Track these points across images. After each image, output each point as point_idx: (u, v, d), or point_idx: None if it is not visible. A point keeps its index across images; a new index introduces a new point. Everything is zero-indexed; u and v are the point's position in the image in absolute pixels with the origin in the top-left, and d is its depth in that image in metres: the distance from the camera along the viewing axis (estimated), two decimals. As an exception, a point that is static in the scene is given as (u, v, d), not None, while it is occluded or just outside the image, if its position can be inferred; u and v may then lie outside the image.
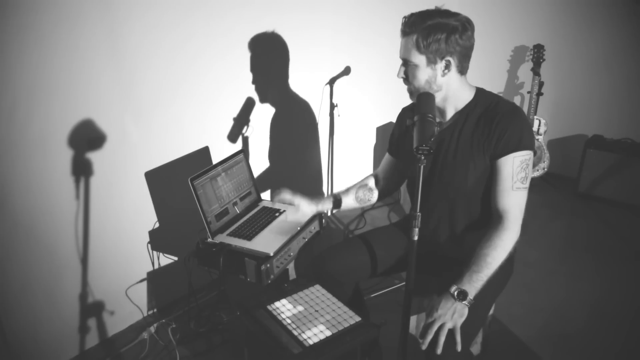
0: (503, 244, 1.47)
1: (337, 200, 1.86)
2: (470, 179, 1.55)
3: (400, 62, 1.55)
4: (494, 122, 1.49)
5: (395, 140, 1.81)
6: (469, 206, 1.61)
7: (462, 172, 1.55)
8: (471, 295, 1.39)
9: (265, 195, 2.76)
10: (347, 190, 1.87)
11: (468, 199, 1.59)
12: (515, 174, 1.48)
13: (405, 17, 1.49)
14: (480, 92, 1.58)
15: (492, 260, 1.44)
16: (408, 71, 1.52)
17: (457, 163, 1.55)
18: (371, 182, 1.88)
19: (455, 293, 1.39)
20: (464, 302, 1.38)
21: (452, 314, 1.37)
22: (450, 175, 1.58)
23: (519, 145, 1.47)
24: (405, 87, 1.58)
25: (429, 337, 1.36)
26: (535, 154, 1.55)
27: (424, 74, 1.49)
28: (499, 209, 1.51)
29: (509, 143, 1.47)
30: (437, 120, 1.58)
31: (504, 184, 1.49)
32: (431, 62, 1.47)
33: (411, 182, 1.78)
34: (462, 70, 1.51)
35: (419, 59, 1.47)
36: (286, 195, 1.82)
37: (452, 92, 1.54)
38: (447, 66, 1.47)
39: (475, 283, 1.41)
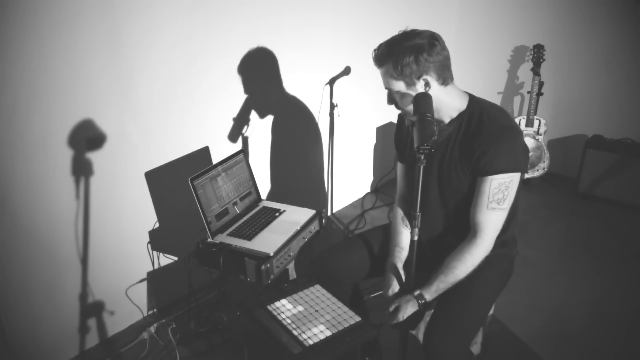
0: (472, 259, 1.53)
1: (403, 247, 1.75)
2: (464, 189, 1.56)
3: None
4: (476, 142, 1.48)
5: (400, 147, 1.81)
6: (464, 210, 1.61)
7: (456, 180, 1.56)
8: (429, 301, 1.54)
9: (267, 196, 2.77)
10: (398, 230, 1.75)
11: (462, 204, 1.60)
12: (492, 194, 1.48)
13: (374, 50, 1.53)
14: (472, 101, 1.56)
15: (459, 273, 1.52)
16: (395, 97, 1.55)
17: (452, 172, 1.56)
18: (404, 206, 1.80)
19: (419, 301, 1.52)
20: (421, 308, 1.53)
21: (408, 316, 1.52)
22: (445, 183, 1.59)
23: (497, 169, 1.46)
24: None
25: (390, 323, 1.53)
26: (523, 173, 1.54)
27: (408, 97, 1.50)
28: (474, 222, 1.53)
29: (487, 166, 1.47)
30: (444, 130, 1.59)
31: (480, 201, 1.51)
32: (410, 84, 1.48)
33: (411, 183, 1.79)
34: (445, 81, 1.50)
35: (398, 85, 1.49)
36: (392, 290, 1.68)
37: (442, 104, 1.53)
38: (427, 84, 1.48)
39: (438, 292, 1.54)
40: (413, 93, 1.48)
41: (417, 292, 1.53)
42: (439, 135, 1.59)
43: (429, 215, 1.66)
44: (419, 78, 1.46)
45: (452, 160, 1.55)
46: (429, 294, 1.53)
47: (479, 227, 1.52)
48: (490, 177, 1.47)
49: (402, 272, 1.66)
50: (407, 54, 1.44)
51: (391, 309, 1.54)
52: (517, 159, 1.49)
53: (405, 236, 1.73)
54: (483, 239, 1.51)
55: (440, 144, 1.58)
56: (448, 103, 1.54)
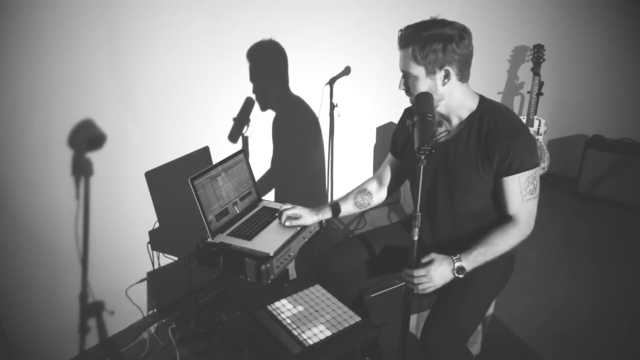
0: (513, 240, 1.53)
1: (335, 208, 1.87)
2: (474, 189, 1.57)
3: (400, 73, 1.55)
4: (495, 144, 1.49)
5: (397, 141, 1.81)
6: (473, 210, 1.62)
7: (466, 181, 1.56)
8: (466, 272, 1.48)
9: (267, 196, 2.77)
10: (346, 197, 1.89)
11: (472, 204, 1.61)
12: (523, 189, 1.51)
13: (401, 30, 1.49)
14: (483, 102, 1.56)
15: (498, 250, 1.51)
16: (409, 83, 1.52)
17: (463, 174, 1.56)
18: (370, 187, 1.89)
19: (456, 266, 1.46)
20: (458, 275, 1.47)
21: (440, 279, 1.45)
22: (454, 183, 1.59)
23: (522, 167, 1.48)
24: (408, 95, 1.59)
25: (415, 287, 1.45)
26: (540, 164, 1.59)
27: (424, 84, 1.49)
28: (511, 215, 1.55)
29: (512, 166, 1.48)
30: (444, 129, 1.60)
31: (513, 199, 1.53)
32: (430, 72, 1.47)
33: (413, 183, 1.79)
34: (463, 78, 1.50)
35: (418, 70, 1.47)
36: (288, 211, 1.87)
37: (455, 100, 1.54)
38: (447, 75, 1.47)
39: (475, 263, 1.49)
40: (430, 81, 1.48)
41: (455, 258, 1.47)
42: (446, 135, 1.59)
43: (434, 216, 1.66)
44: (441, 68, 1.46)
45: (465, 161, 1.55)
46: (467, 262, 1.47)
47: (517, 217, 1.54)
48: (517, 175, 1.49)
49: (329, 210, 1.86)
50: (437, 40, 1.43)
51: (424, 260, 1.46)
52: (536, 154, 1.54)
53: (360, 198, 1.87)
54: (523, 224, 1.54)
55: (449, 143, 1.58)
56: (461, 101, 1.54)
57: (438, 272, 1.44)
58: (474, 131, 1.53)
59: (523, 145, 1.48)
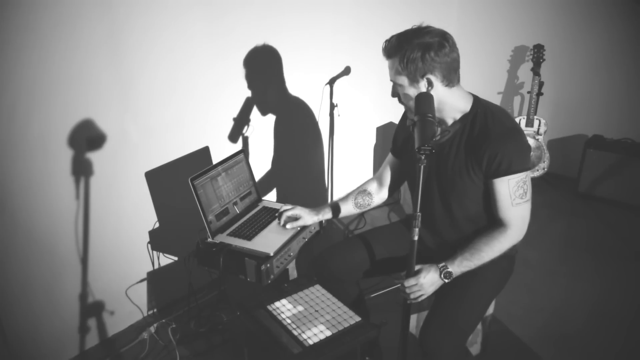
0: (500, 246, 1.53)
1: (336, 209, 1.88)
2: (467, 192, 1.57)
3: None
4: (484, 145, 1.48)
5: (398, 141, 1.81)
6: (468, 213, 1.62)
7: (458, 184, 1.56)
8: (454, 276, 1.50)
9: (267, 196, 2.77)
10: (346, 197, 1.89)
11: (466, 207, 1.61)
12: (512, 192, 1.50)
13: (385, 42, 1.51)
14: (477, 103, 1.56)
15: (485, 256, 1.51)
16: (398, 91, 1.55)
17: (455, 176, 1.56)
18: (370, 187, 1.89)
19: (443, 271, 1.49)
20: (445, 280, 1.49)
21: (430, 286, 1.48)
22: (448, 185, 1.59)
23: (510, 170, 1.47)
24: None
25: (408, 296, 1.49)
26: (531, 168, 1.57)
27: (409, 93, 1.51)
28: (502, 219, 1.54)
29: (500, 168, 1.48)
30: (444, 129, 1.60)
31: (503, 202, 1.51)
32: (413, 81, 1.48)
33: (412, 183, 1.79)
34: (450, 83, 1.50)
35: (402, 80, 1.49)
36: (288, 212, 1.88)
37: (445, 105, 1.53)
38: (430, 83, 1.48)
39: (462, 268, 1.51)
40: (415, 90, 1.49)
41: (441, 265, 1.50)
42: (440, 137, 1.59)
43: (432, 217, 1.66)
44: (422, 76, 1.46)
45: (457, 163, 1.55)
46: (453, 267, 1.50)
47: (507, 221, 1.53)
48: (506, 178, 1.48)
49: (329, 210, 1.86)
50: (415, 50, 1.43)
51: (415, 268, 1.48)
52: (527, 158, 1.53)
53: (360, 199, 1.88)
54: (513, 230, 1.53)
55: (442, 145, 1.58)
56: (451, 104, 1.54)
57: (427, 279, 1.47)
58: (466, 133, 1.54)
59: (512, 148, 1.47)
